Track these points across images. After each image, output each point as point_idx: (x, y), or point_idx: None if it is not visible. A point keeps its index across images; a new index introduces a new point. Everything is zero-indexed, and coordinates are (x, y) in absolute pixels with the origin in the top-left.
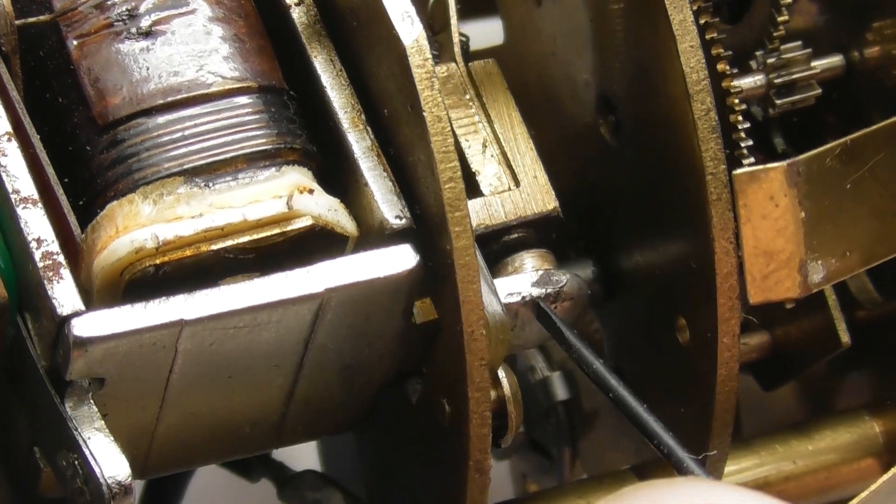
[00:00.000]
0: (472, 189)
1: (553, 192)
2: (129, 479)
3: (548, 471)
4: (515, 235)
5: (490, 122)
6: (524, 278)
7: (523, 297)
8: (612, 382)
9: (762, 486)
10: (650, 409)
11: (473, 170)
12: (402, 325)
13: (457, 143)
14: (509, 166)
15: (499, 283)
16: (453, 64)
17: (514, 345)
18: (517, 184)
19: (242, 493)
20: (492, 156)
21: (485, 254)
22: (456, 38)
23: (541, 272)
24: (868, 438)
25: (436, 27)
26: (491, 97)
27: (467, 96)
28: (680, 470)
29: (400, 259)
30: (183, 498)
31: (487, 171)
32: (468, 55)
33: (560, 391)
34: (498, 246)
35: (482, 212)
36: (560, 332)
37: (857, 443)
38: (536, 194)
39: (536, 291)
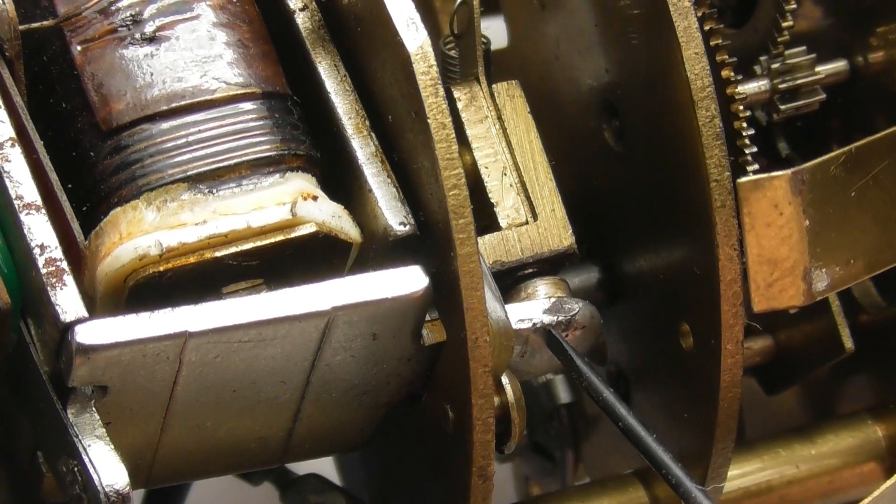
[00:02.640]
0: (489, 217)
1: (570, 228)
2: (128, 488)
3: (551, 474)
4: (530, 271)
5: (510, 148)
6: (536, 305)
7: (534, 324)
8: (622, 412)
9: (765, 490)
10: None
11: (493, 201)
12: (410, 346)
13: (476, 171)
14: (527, 197)
15: (510, 308)
16: (477, 86)
17: (524, 372)
18: (534, 217)
19: (245, 496)
20: (510, 185)
21: (498, 287)
22: (479, 42)
23: (553, 299)
24: (871, 442)
25: (458, 29)
26: (512, 122)
27: (489, 119)
28: (688, 501)
29: (409, 280)
30: (185, 500)
31: (506, 202)
32: (489, 58)
33: (563, 394)
34: (512, 281)
35: (499, 248)
36: (571, 361)
37: (859, 447)
38: (553, 229)
39: (548, 319)
